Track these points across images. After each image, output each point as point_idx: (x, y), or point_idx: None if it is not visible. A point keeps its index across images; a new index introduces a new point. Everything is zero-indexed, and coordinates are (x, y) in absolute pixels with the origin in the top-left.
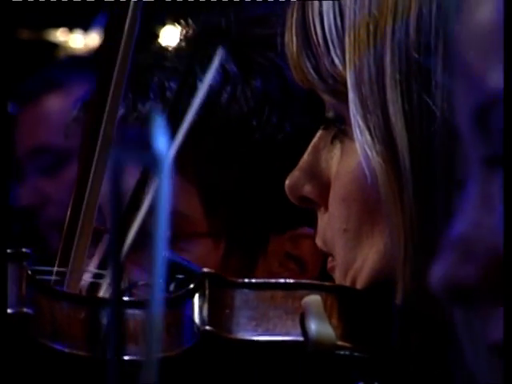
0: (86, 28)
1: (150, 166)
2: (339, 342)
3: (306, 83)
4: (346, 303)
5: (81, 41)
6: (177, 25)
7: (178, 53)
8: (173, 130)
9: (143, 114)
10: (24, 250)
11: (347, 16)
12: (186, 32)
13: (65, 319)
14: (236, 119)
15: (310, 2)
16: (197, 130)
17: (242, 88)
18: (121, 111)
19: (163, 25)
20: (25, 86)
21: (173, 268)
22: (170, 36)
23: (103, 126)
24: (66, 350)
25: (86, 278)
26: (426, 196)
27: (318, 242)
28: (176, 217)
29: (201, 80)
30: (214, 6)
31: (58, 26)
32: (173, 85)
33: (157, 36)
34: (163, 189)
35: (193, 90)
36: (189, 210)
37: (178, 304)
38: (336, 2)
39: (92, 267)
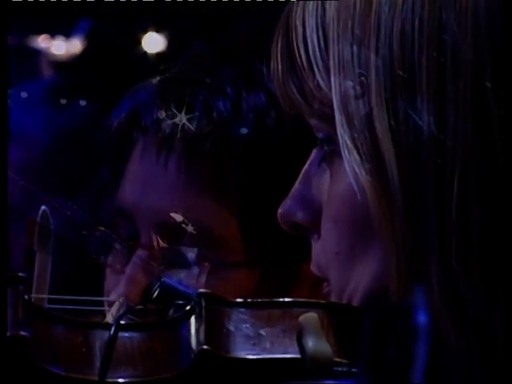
0: (67, 35)
1: (408, 334)
2: (336, 359)
3: (293, 109)
4: (342, 320)
5: (62, 47)
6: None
7: (217, 70)
8: None
9: (189, 135)
10: (20, 274)
11: (331, 38)
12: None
13: (61, 342)
14: (279, 146)
15: (293, 28)
16: (241, 154)
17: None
18: (167, 130)
19: (145, 32)
20: None
21: (171, 294)
22: (153, 43)
23: None
24: (63, 373)
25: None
26: (416, 212)
27: (313, 268)
28: (215, 243)
29: (246, 102)
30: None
31: (39, 32)
32: (219, 104)
33: (140, 43)
34: (420, 358)
35: (240, 110)
36: (227, 237)
37: (176, 325)
38: (320, 26)
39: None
